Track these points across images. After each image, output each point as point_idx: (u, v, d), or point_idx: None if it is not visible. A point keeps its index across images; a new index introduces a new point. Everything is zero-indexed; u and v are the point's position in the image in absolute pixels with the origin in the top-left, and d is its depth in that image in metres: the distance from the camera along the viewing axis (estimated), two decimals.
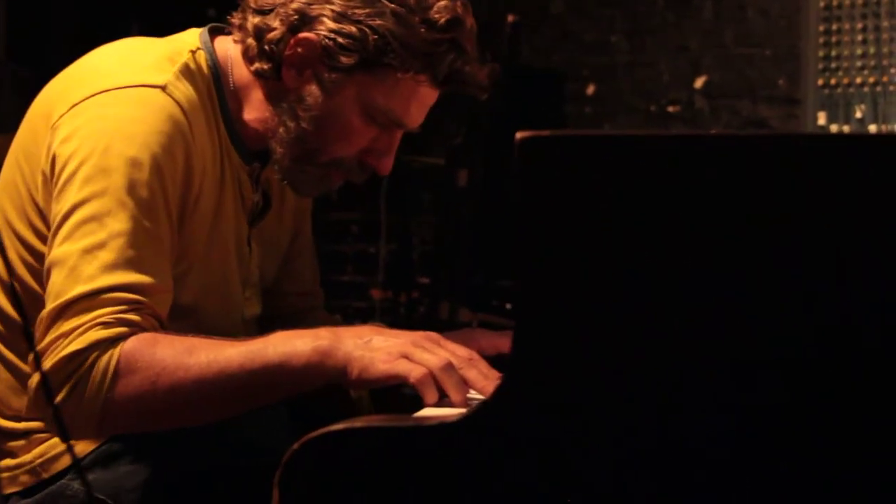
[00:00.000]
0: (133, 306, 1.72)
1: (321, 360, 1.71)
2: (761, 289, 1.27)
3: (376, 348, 1.70)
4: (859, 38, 3.53)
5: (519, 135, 1.27)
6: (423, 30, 1.87)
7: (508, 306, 4.40)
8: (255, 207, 2.05)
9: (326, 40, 1.87)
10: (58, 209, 1.77)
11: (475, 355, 1.75)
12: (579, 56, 4.98)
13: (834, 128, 3.55)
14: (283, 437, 1.98)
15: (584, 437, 1.30)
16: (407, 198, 4.82)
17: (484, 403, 1.32)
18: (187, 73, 1.89)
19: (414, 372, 1.66)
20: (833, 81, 3.54)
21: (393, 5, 1.87)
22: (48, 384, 1.68)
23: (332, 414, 2.10)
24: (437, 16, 1.88)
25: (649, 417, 1.30)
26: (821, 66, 3.57)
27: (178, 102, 1.84)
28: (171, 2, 4.85)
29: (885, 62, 3.46)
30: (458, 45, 1.90)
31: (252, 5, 1.94)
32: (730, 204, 1.28)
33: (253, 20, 1.93)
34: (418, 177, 4.77)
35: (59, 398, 1.67)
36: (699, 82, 4.74)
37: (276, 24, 1.91)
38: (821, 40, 3.57)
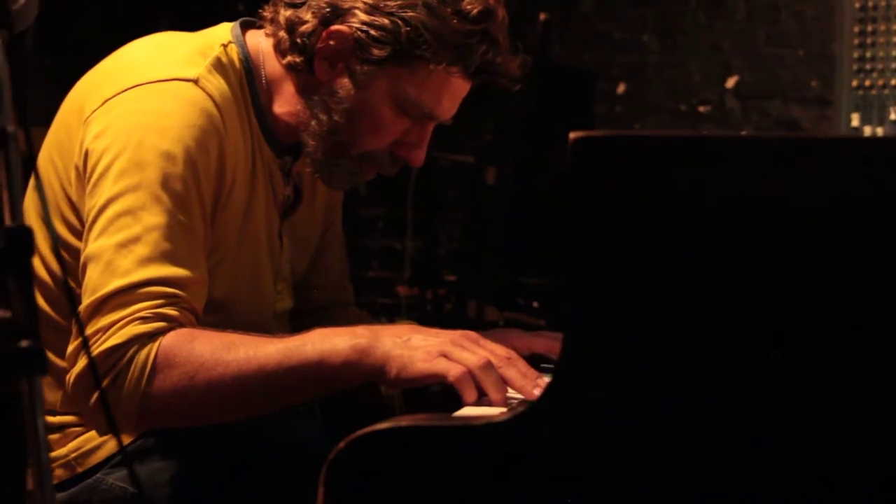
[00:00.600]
0: (170, 300, 1.72)
1: (360, 358, 1.70)
2: (823, 290, 1.26)
3: (415, 347, 1.69)
4: (894, 39, 3.51)
5: (573, 134, 1.27)
6: (455, 21, 1.85)
7: (535, 304, 4.39)
8: (287, 201, 2.04)
9: (359, 33, 1.86)
10: (92, 204, 1.77)
11: (514, 354, 1.73)
12: (610, 55, 4.97)
13: (867, 129, 3.53)
14: (315, 432, 1.99)
15: (632, 439, 1.29)
16: (434, 194, 4.81)
17: (534, 403, 1.31)
18: (219, 66, 1.88)
19: (453, 370, 1.65)
20: (867, 83, 3.53)
21: None
22: (92, 376, 1.67)
23: (364, 411, 2.11)
24: (468, 7, 1.86)
25: (699, 419, 1.29)
26: (855, 67, 3.55)
27: (210, 96, 1.83)
28: None
29: None
30: (490, 36, 1.88)
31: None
32: (785, 205, 1.27)
33: (285, 13, 1.92)
34: (446, 174, 4.77)
35: (96, 393, 1.67)
36: (730, 82, 4.72)
37: (308, 16, 1.89)
38: (855, 41, 3.56)
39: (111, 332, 1.68)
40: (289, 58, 1.92)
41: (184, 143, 1.78)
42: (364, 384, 1.94)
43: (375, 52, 1.86)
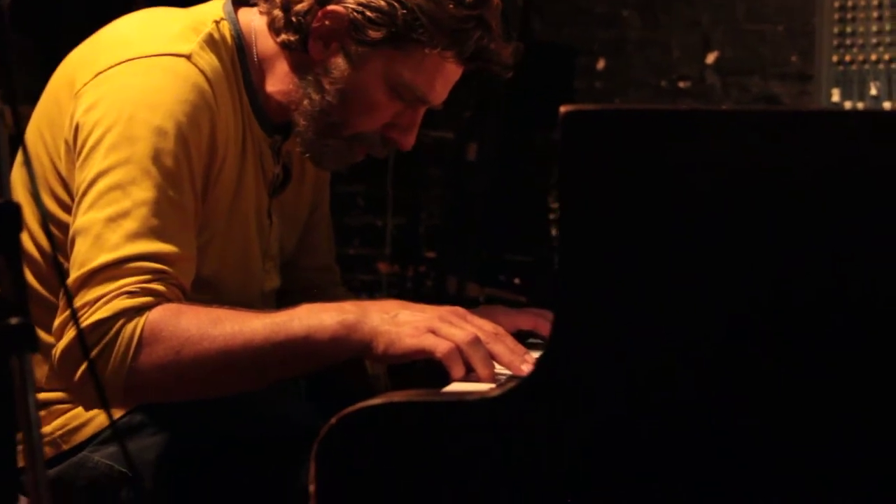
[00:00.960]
0: (158, 276, 1.72)
1: (347, 333, 1.70)
2: (812, 266, 1.26)
3: (402, 322, 1.69)
4: (875, 14, 3.51)
5: (564, 108, 1.26)
6: (451, 6, 1.86)
7: (517, 281, 4.39)
8: (276, 180, 2.04)
9: (355, 13, 1.87)
10: (82, 177, 1.76)
11: (501, 330, 1.74)
12: (590, 30, 4.95)
13: (848, 104, 3.54)
14: (302, 409, 1.99)
15: (625, 415, 1.29)
16: (415, 171, 4.80)
17: (526, 378, 1.31)
18: (211, 42, 1.88)
19: (441, 346, 1.65)
20: (848, 58, 3.53)
21: None
22: (79, 349, 1.67)
23: (350, 390, 2.11)
24: None
25: (690, 397, 1.29)
26: (835, 42, 3.55)
27: (202, 72, 1.83)
28: None
29: None
30: (485, 22, 1.89)
31: None
32: (776, 179, 1.27)
33: None
34: (427, 150, 4.75)
35: (83, 366, 1.67)
36: (711, 58, 4.71)
37: None
38: (835, 16, 3.56)
39: (98, 305, 1.68)
40: (283, 36, 1.92)
41: (175, 118, 1.78)
42: (351, 362, 1.95)
43: (371, 33, 1.87)
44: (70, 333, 1.69)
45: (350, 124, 1.94)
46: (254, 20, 1.96)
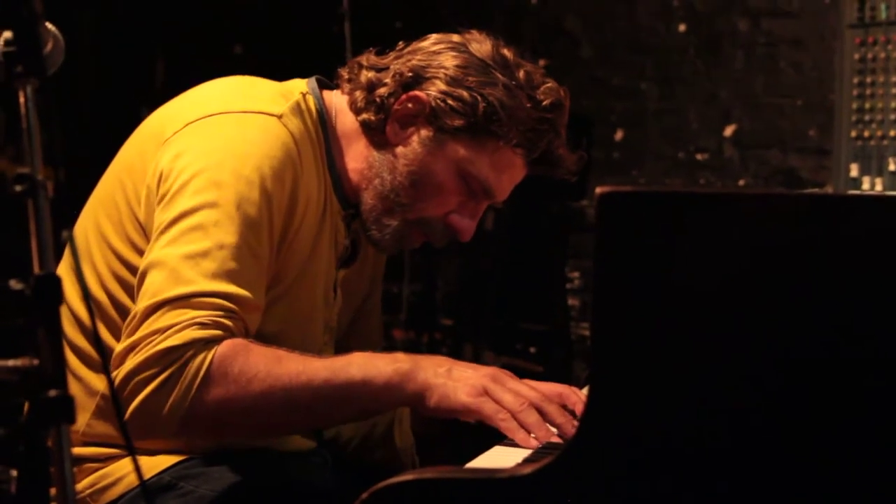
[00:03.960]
0: (228, 313, 1.75)
1: (401, 381, 1.74)
2: (840, 346, 1.27)
3: (458, 378, 1.74)
4: (893, 91, 3.53)
5: (599, 189, 1.28)
6: (529, 105, 1.94)
7: (532, 350, 4.39)
8: (345, 252, 2.07)
9: (437, 101, 1.93)
10: (163, 217, 1.80)
11: (547, 393, 1.78)
12: (608, 102, 4.99)
13: (866, 179, 3.55)
14: (329, 482, 1.99)
15: (657, 495, 1.29)
16: None
17: (556, 457, 1.31)
18: (299, 110, 1.94)
19: (499, 414, 1.70)
20: (866, 133, 3.55)
21: (504, 78, 1.94)
22: (146, 374, 1.70)
23: (377, 466, 2.12)
24: (542, 96, 1.95)
25: (721, 470, 1.29)
26: (854, 117, 3.57)
27: (291, 133, 1.89)
28: (197, 38, 4.87)
29: None
30: (556, 127, 1.97)
31: (365, 63, 2.01)
32: (807, 262, 1.28)
33: (367, 74, 1.99)
34: None
35: (147, 391, 1.69)
36: (729, 131, 4.74)
37: (388, 79, 1.97)
38: (854, 92, 3.58)
39: (169, 333, 1.70)
40: (363, 115, 1.99)
41: (262, 170, 1.82)
42: (381, 434, 1.98)
43: (449, 121, 1.93)
44: (136, 358, 1.71)
45: (416, 208, 1.98)
46: (335, 99, 2.03)
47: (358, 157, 2.00)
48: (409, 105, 1.95)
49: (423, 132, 1.95)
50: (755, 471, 1.29)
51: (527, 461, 1.61)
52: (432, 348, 4.70)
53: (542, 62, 4.66)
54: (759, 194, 1.44)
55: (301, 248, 1.92)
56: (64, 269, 1.89)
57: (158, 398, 1.69)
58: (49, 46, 1.32)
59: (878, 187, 3.52)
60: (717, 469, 1.30)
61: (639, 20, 4.97)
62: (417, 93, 1.94)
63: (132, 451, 1.51)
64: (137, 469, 1.51)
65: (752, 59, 4.71)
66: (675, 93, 4.86)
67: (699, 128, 4.81)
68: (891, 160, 3.51)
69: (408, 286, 4.86)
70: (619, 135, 4.97)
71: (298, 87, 2.00)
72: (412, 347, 4.85)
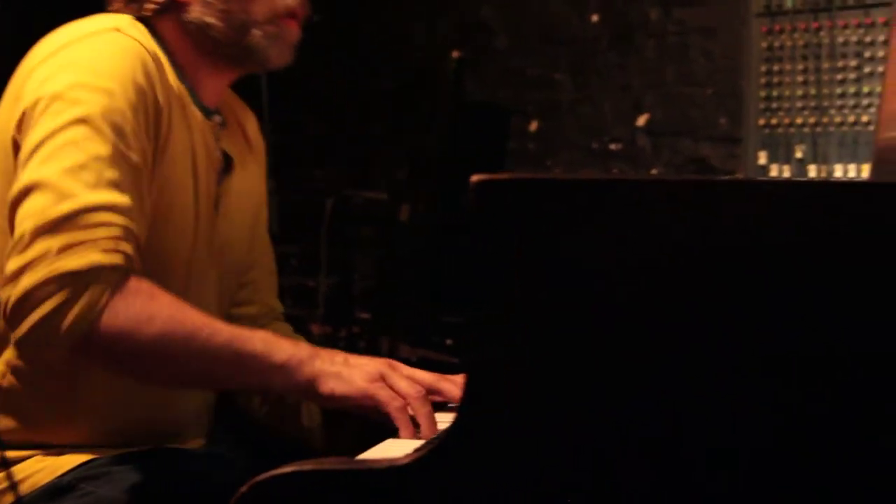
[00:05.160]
0: (126, 234, 1.75)
1: (297, 365, 1.75)
2: (714, 334, 1.28)
3: (354, 365, 1.76)
4: (800, 79, 3.57)
5: (474, 178, 1.27)
6: None
7: (449, 342, 4.39)
8: (221, 165, 2.08)
9: None
10: (33, 138, 1.79)
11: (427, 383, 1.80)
12: (523, 93, 5.00)
13: (774, 167, 3.58)
14: (229, 477, 1.98)
15: (532, 483, 1.29)
16: (348, 232, 4.81)
17: (432, 447, 1.31)
18: (134, 25, 1.96)
19: (394, 402, 1.71)
20: (774, 121, 3.58)
21: None
22: (42, 294, 1.68)
23: (285, 435, 2.13)
24: None
25: (597, 462, 1.29)
26: (762, 105, 3.60)
27: (138, 41, 1.90)
28: None
29: (825, 103, 3.50)
30: None
31: None
32: (675, 246, 1.28)
33: None
34: (360, 211, 4.76)
35: (48, 308, 1.68)
36: (641, 120, 4.77)
37: None
38: (762, 80, 3.61)
39: (68, 253, 1.69)
40: (150, 5, 2.00)
41: (121, 81, 1.83)
42: (287, 415, 1.97)
43: None
44: (34, 276, 1.69)
45: (251, 11, 2.00)
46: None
47: (184, 38, 2.01)
48: None
49: None
50: (634, 465, 1.29)
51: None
52: (350, 342, 4.69)
53: (455, 53, 4.66)
54: (636, 179, 1.44)
55: (175, 159, 1.92)
56: None
57: (57, 317, 1.68)
58: None
59: (786, 174, 3.55)
60: (598, 465, 1.30)
61: (553, 11, 4.98)
62: None
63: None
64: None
65: (663, 48, 4.74)
66: (589, 83, 4.88)
67: (613, 117, 4.83)
68: (798, 148, 3.54)
69: (324, 280, 4.85)
70: (533, 125, 4.98)
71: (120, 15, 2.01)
72: (330, 342, 4.83)
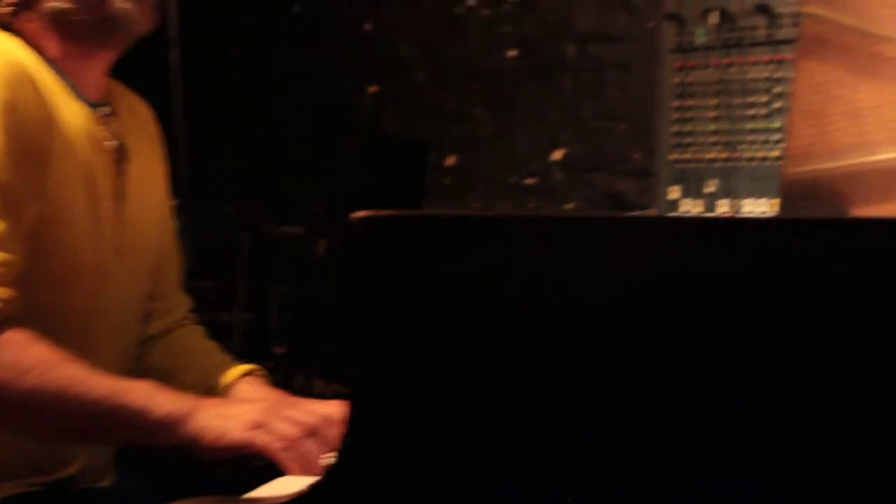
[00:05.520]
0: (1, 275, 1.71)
1: (175, 421, 1.71)
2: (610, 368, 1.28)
3: (230, 415, 1.71)
4: (711, 114, 3.60)
5: (359, 214, 1.27)
6: None
7: None
8: (115, 155, 2.03)
9: None
10: None
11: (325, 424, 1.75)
12: (442, 127, 5.01)
13: (687, 201, 3.60)
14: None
15: None
16: (265, 266, 4.79)
17: (313, 485, 1.30)
18: (2, 36, 1.92)
19: (272, 446, 1.67)
20: (686, 156, 3.61)
21: None
22: None
23: (198, 457, 2.11)
24: None
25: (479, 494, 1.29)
26: (674, 141, 3.63)
27: (8, 51, 1.86)
28: None
29: (735, 138, 3.53)
30: None
31: None
32: (549, 280, 1.29)
33: None
34: (278, 245, 4.74)
35: None
36: (557, 155, 4.79)
37: None
38: (675, 116, 3.64)
39: None
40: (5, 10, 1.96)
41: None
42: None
43: None
44: None
45: None
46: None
47: (54, 38, 1.97)
48: None
49: None
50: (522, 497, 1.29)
51: None
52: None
53: (372, 88, 4.66)
54: (522, 217, 1.45)
55: (65, 166, 1.88)
56: None
57: None
58: None
59: (698, 209, 3.58)
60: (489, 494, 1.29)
61: (471, 46, 5.01)
62: None
63: None
64: None
65: (580, 83, 4.77)
66: (507, 118, 4.90)
67: (529, 152, 4.85)
68: (709, 182, 3.57)
69: (240, 315, 4.82)
70: (451, 160, 4.99)
71: None
72: None
